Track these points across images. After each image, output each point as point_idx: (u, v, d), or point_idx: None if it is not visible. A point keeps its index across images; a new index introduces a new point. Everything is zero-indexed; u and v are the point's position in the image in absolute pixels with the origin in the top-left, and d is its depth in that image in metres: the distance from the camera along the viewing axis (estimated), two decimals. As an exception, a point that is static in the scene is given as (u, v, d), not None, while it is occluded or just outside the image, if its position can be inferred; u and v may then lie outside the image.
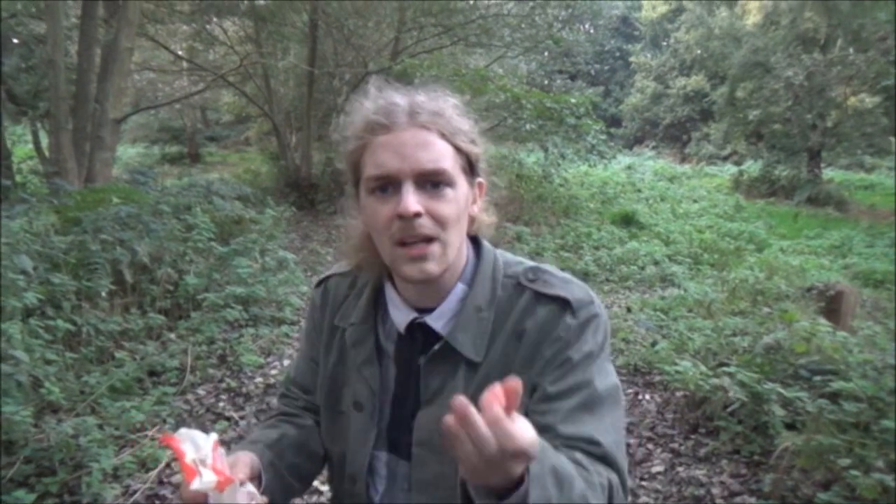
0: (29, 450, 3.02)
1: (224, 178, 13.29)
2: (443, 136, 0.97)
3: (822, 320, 4.32)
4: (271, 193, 11.36)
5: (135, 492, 3.12)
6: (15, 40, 12.26)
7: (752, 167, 20.73)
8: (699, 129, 27.10)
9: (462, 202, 0.99)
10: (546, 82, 18.18)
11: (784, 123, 19.12)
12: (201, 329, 4.94)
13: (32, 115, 12.05)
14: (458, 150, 0.99)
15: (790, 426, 3.47)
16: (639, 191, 16.93)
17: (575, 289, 1.05)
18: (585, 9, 16.86)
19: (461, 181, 0.99)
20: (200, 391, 4.33)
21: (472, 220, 1.08)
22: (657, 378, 4.98)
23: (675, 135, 28.91)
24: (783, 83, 18.18)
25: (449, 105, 1.01)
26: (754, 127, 20.20)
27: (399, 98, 0.99)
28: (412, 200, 0.93)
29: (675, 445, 3.88)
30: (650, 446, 3.90)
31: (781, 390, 3.41)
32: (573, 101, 12.78)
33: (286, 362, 5.01)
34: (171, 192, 7.88)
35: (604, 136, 14.34)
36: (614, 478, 0.94)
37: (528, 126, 12.65)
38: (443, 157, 0.96)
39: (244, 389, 4.42)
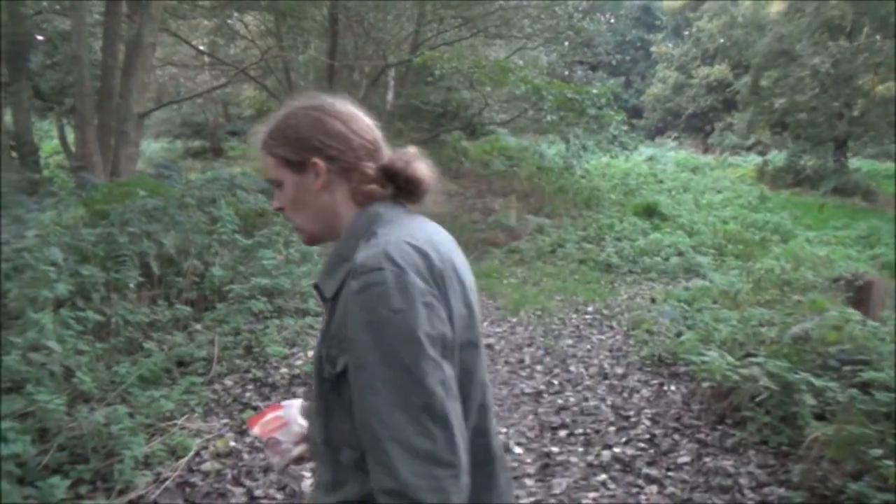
0: (62, 438, 3.08)
1: (246, 171, 13.37)
2: (266, 150, 1.24)
3: (851, 310, 4.26)
4: (293, 187, 11.41)
5: (165, 479, 3.16)
6: (40, 37, 12.42)
7: (777, 157, 20.44)
8: (722, 119, 26.72)
9: (292, 192, 1.23)
10: (567, 73, 18.06)
11: (809, 112, 18.81)
12: (227, 320, 4.99)
13: (58, 110, 12.24)
14: (275, 156, 1.23)
15: (819, 416, 3.43)
16: (661, 182, 16.78)
17: (371, 252, 1.07)
18: (606, -2, 16.72)
19: (287, 177, 1.22)
20: (227, 381, 4.37)
21: (351, 187, 1.22)
22: (682, 369, 4.95)
23: (698, 125, 28.54)
24: (809, 71, 17.89)
25: (268, 126, 1.25)
26: (779, 116, 19.89)
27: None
28: (275, 200, 1.29)
29: (702, 436, 3.85)
30: (676, 437, 3.88)
31: (813, 380, 3.37)
32: (594, 91, 12.69)
33: (310, 353, 5.04)
34: (196, 186, 7.94)
35: (625, 127, 14.24)
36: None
37: (549, 117, 12.60)
38: (268, 167, 1.25)
39: (270, 380, 4.46)
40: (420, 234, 1.14)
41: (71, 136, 10.20)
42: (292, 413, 1.45)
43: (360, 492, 1.09)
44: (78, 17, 8.03)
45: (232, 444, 3.56)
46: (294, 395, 4.27)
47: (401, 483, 0.96)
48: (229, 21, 15.33)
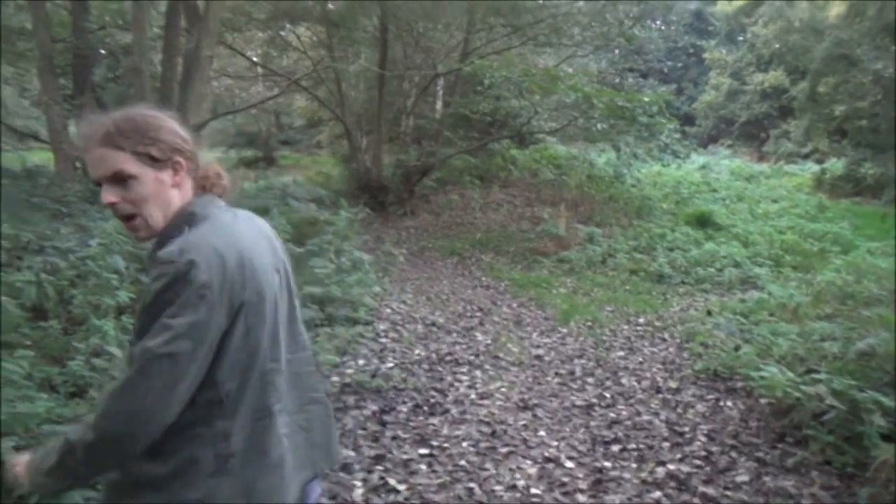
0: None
1: (298, 180, 13.60)
2: (121, 148, 1.34)
3: (920, 326, 4.08)
4: (342, 195, 11.56)
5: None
6: (103, 51, 12.88)
7: (836, 165, 19.80)
8: (778, 127, 26.02)
9: (152, 186, 1.36)
10: (617, 80, 17.86)
11: (871, 119, 18.16)
12: (280, 328, 5.04)
13: (120, 122, 12.64)
14: (135, 153, 1.34)
15: (886, 437, 3.29)
16: (714, 191, 16.42)
17: (173, 247, 1.29)
18: (658, 5, 16.49)
19: (147, 172, 1.36)
20: (280, 389, 4.42)
21: (201, 184, 1.47)
22: (739, 384, 4.82)
23: (752, 132, 27.83)
24: (870, 76, 17.29)
25: (115, 125, 1.35)
26: (838, 123, 19.27)
27: (90, 125, 1.37)
28: (105, 195, 1.36)
29: (761, 454, 3.73)
30: (734, 454, 3.77)
31: (882, 399, 3.23)
32: (646, 99, 12.51)
33: (361, 362, 5.08)
34: (249, 195, 8.11)
35: (677, 135, 14.01)
36: (94, 432, 1.25)
37: (599, 126, 12.47)
38: (118, 163, 1.34)
39: (321, 388, 4.49)
40: (225, 234, 1.36)
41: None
42: None
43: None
44: (139, 31, 8.30)
45: (284, 451, 3.60)
46: (345, 405, 4.30)
47: (101, 402, 1.28)
48: (282, 33, 15.64)
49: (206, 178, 1.48)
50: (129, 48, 10.70)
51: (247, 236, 1.42)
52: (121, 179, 1.35)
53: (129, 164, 1.34)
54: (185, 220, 1.38)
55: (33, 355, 3.27)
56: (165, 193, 1.39)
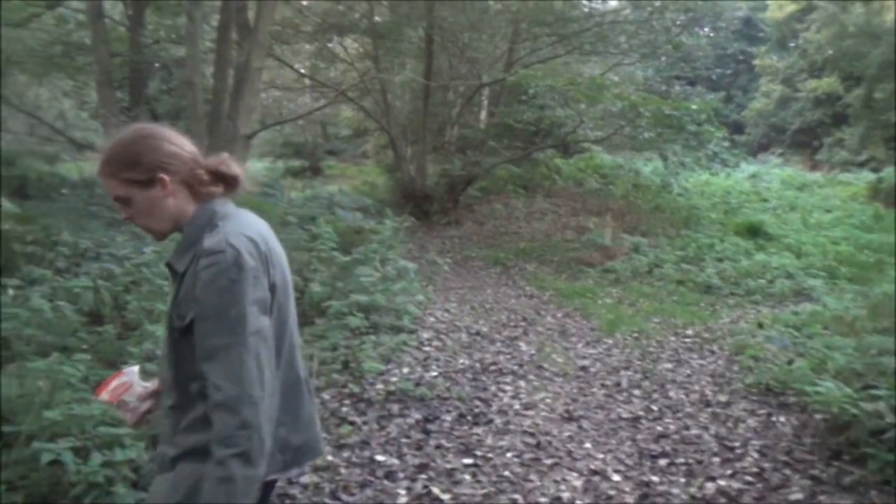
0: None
1: (344, 190, 13.75)
2: (111, 175, 1.51)
3: None
4: (387, 205, 11.65)
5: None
6: (156, 65, 13.27)
7: (892, 174, 19.14)
8: (831, 135, 25.31)
9: (145, 203, 1.52)
10: (664, 88, 17.59)
11: (930, 126, 17.57)
12: (326, 335, 5.11)
13: (173, 133, 13.01)
14: (121, 178, 1.50)
15: (950, 457, 3.16)
16: (765, 200, 16.05)
17: (215, 239, 1.45)
18: (706, 11, 16.22)
19: (137, 193, 1.51)
20: (325, 395, 4.47)
21: (192, 190, 1.56)
22: (792, 399, 4.68)
23: (805, 141, 27.11)
24: (930, 82, 16.73)
25: (107, 156, 1.51)
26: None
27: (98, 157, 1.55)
28: (121, 212, 1.57)
29: (816, 472, 3.62)
30: (787, 471, 3.66)
31: (945, 417, 3.10)
32: (694, 107, 12.32)
33: (405, 370, 5.10)
34: (297, 204, 8.24)
35: (726, 144, 13.75)
36: (240, 418, 1.35)
37: (645, 134, 12.32)
38: (113, 188, 1.52)
39: (366, 395, 4.53)
40: (250, 227, 1.54)
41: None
42: (134, 378, 1.72)
43: (204, 411, 1.44)
44: (192, 45, 8.52)
45: (329, 458, 3.63)
46: (389, 412, 4.32)
47: (226, 397, 1.36)
48: (329, 45, 15.88)
49: (191, 186, 1.57)
50: (182, 61, 10.99)
51: (263, 229, 1.61)
52: (121, 200, 1.53)
53: (120, 189, 1.51)
54: (210, 216, 1.54)
55: (89, 359, 3.37)
56: (160, 205, 1.53)
